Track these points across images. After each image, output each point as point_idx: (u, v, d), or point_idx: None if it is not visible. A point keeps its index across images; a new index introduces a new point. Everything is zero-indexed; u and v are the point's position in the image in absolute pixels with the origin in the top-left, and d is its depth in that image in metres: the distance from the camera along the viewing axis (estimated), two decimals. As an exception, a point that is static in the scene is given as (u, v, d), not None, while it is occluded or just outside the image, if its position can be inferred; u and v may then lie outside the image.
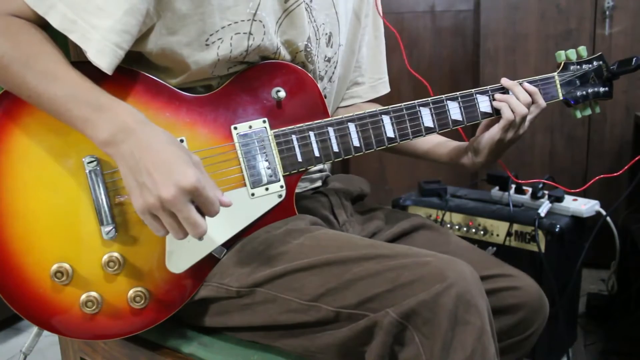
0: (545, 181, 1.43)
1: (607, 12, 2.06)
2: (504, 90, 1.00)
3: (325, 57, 1.01)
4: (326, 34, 1.00)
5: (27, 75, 0.75)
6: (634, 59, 1.03)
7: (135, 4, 0.77)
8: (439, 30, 2.52)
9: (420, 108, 0.96)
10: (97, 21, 0.77)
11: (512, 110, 0.96)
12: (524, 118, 0.97)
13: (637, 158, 1.13)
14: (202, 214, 0.73)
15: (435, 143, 1.10)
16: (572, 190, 1.11)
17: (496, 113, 1.00)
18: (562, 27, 2.13)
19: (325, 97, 1.03)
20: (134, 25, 0.78)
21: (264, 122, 0.90)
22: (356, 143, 0.93)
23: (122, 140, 0.73)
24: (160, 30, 0.82)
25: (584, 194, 1.89)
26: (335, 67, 1.05)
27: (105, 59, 0.77)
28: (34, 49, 0.77)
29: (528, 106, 0.97)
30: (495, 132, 0.97)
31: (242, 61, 0.89)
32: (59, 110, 0.76)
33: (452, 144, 1.08)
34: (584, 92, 1.06)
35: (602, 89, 1.07)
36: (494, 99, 0.99)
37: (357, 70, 1.16)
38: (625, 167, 1.11)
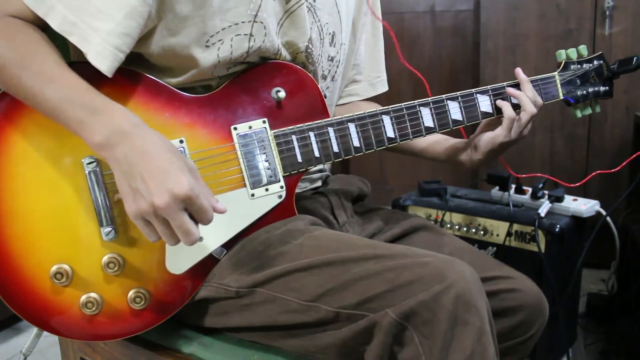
0: (544, 175, 1.43)
1: (607, 12, 2.06)
2: (503, 93, 1.00)
3: (329, 56, 1.01)
4: (330, 33, 1.00)
5: (23, 76, 0.75)
6: (634, 58, 1.03)
7: (136, 6, 0.77)
8: (439, 30, 2.52)
9: (421, 108, 0.96)
10: (98, 23, 0.76)
11: (523, 110, 0.97)
12: (531, 117, 0.97)
13: (636, 154, 1.13)
14: (196, 221, 0.73)
15: (433, 141, 1.10)
16: (571, 185, 1.10)
17: (497, 112, 1.00)
18: (562, 27, 2.13)
19: (326, 97, 1.03)
20: (134, 28, 0.78)
21: (264, 122, 0.89)
22: (356, 143, 0.93)
23: (117, 143, 0.72)
24: (162, 32, 0.82)
25: (584, 194, 1.89)
26: (337, 66, 1.05)
27: (105, 62, 0.77)
28: (31, 49, 0.76)
29: (536, 105, 0.97)
30: (498, 133, 0.97)
31: (242, 62, 0.89)
32: (54, 112, 0.75)
33: (450, 141, 1.08)
34: (584, 92, 1.06)
35: (602, 88, 1.07)
36: (496, 98, 0.99)
37: (355, 67, 1.16)
38: (624, 163, 1.11)
